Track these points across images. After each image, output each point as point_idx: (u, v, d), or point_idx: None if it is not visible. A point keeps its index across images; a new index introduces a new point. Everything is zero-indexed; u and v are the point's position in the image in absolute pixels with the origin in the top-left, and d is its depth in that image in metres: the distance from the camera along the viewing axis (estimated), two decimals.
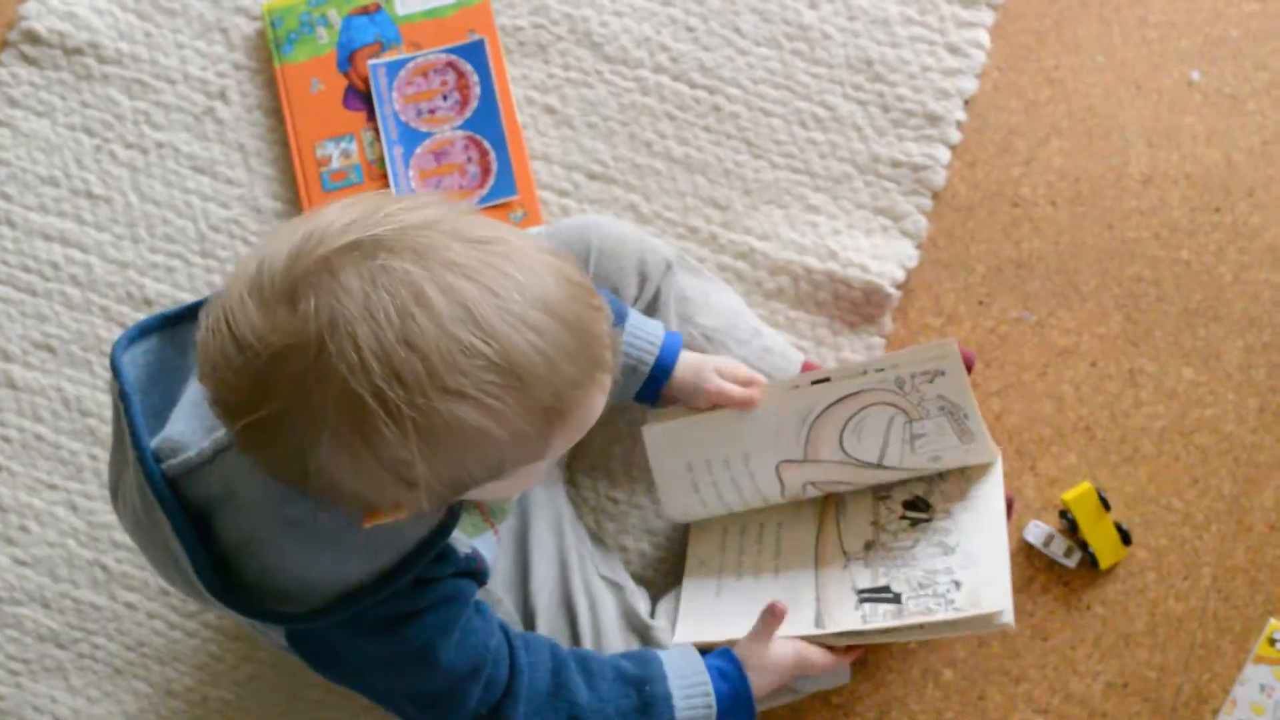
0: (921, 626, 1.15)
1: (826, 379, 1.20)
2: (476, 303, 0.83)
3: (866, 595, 1.19)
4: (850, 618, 1.18)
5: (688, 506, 1.27)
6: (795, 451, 1.23)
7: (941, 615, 1.13)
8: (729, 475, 1.25)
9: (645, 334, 1.20)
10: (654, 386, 1.21)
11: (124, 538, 1.35)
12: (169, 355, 1.03)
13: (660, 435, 1.25)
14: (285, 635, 1.03)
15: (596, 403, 0.93)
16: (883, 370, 1.19)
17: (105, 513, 1.36)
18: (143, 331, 1.03)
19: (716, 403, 1.22)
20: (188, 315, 1.04)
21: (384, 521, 0.92)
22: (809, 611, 1.20)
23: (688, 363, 1.22)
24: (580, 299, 0.89)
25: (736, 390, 1.21)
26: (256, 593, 0.98)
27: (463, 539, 1.06)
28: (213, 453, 0.96)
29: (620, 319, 1.18)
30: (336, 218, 0.85)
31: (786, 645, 1.18)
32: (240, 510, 0.96)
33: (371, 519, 0.91)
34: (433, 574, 1.01)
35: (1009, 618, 1.12)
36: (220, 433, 0.96)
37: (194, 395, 0.99)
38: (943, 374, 1.17)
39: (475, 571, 1.06)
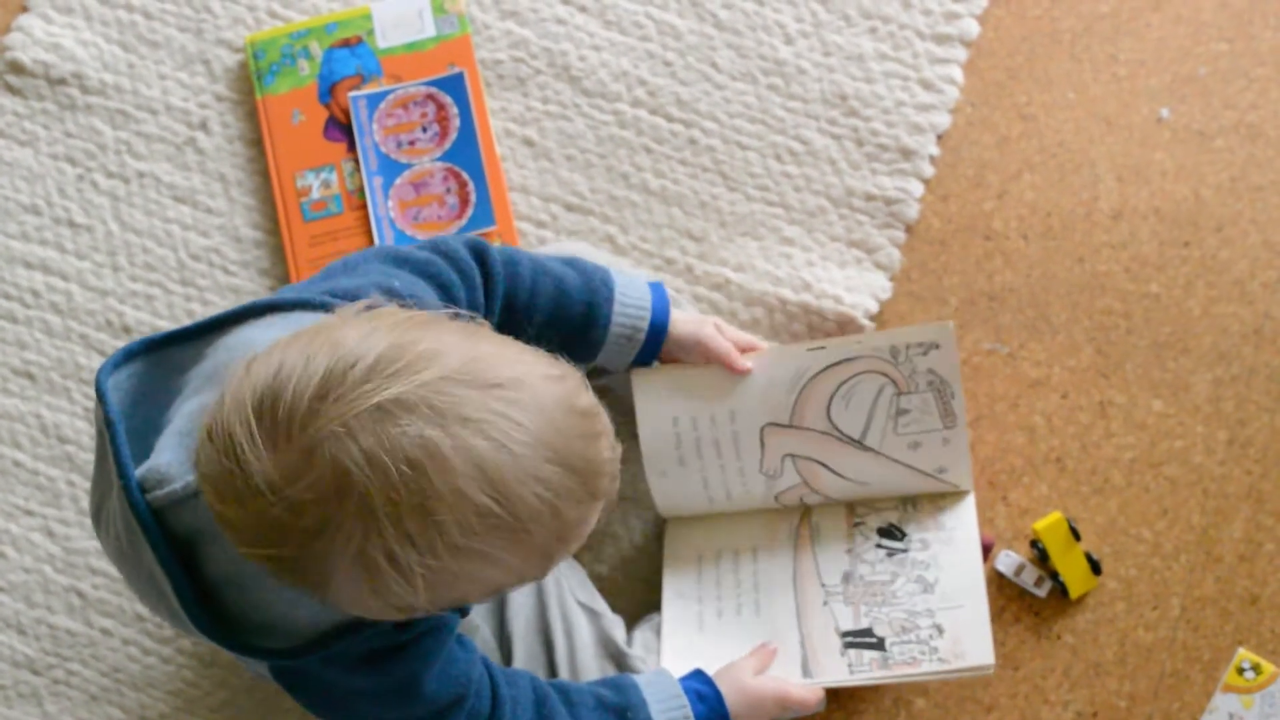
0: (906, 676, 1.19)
1: (823, 348, 1.24)
2: (490, 462, 0.85)
3: (851, 640, 1.21)
4: (836, 664, 1.21)
5: (664, 463, 1.27)
6: (782, 415, 1.25)
7: (927, 667, 1.18)
8: (713, 433, 1.26)
9: (635, 301, 1.21)
10: (651, 350, 1.23)
11: (101, 563, 1.35)
12: (153, 379, 1.03)
13: (650, 381, 1.25)
14: (268, 668, 1.03)
15: (593, 522, 0.95)
16: (879, 342, 1.23)
17: (82, 539, 1.36)
18: (127, 356, 1.02)
19: (715, 359, 1.24)
20: (174, 340, 1.04)
21: None
22: (795, 655, 1.22)
23: (684, 321, 1.24)
24: (585, 432, 0.91)
25: (736, 353, 1.24)
26: (240, 627, 0.98)
27: None
28: (197, 488, 0.95)
29: (609, 289, 1.20)
30: (359, 357, 0.85)
31: (768, 679, 1.20)
32: (225, 547, 0.95)
33: None
34: None
35: (991, 670, 1.17)
36: None
37: (180, 425, 0.99)
38: (937, 347, 1.22)
39: None
